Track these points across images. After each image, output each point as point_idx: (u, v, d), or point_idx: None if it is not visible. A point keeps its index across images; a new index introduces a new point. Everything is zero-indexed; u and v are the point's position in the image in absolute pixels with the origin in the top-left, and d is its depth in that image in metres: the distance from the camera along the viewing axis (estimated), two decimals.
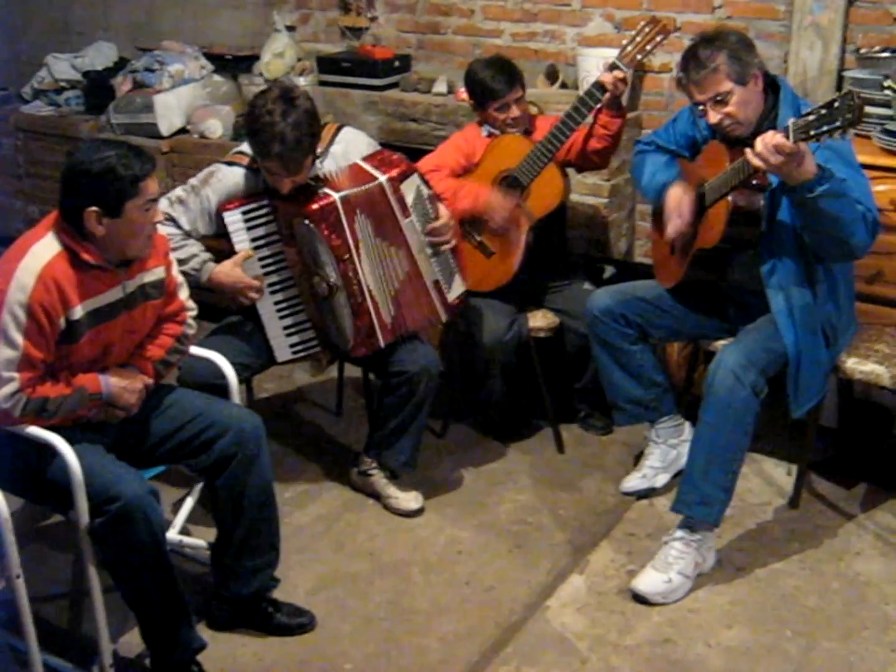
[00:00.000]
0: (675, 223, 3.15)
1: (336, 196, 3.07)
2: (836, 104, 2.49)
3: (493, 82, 3.50)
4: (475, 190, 3.52)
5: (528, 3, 4.37)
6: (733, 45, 2.92)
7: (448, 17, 4.58)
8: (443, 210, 3.28)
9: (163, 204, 3.08)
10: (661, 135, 3.38)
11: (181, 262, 3.05)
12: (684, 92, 3.04)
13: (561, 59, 4.31)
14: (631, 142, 3.71)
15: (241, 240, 3.17)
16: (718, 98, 2.92)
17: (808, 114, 2.57)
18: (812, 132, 2.54)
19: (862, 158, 3.29)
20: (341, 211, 3.07)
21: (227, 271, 3.15)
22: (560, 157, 3.54)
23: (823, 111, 2.52)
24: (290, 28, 4.97)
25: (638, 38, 3.38)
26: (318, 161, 3.19)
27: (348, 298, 3.15)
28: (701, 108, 2.98)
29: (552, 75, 4.23)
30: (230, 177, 3.20)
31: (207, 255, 3.17)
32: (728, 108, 2.92)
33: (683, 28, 4.00)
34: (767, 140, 2.61)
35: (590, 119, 3.48)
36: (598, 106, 3.42)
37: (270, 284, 3.23)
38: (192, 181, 3.22)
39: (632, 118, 4.12)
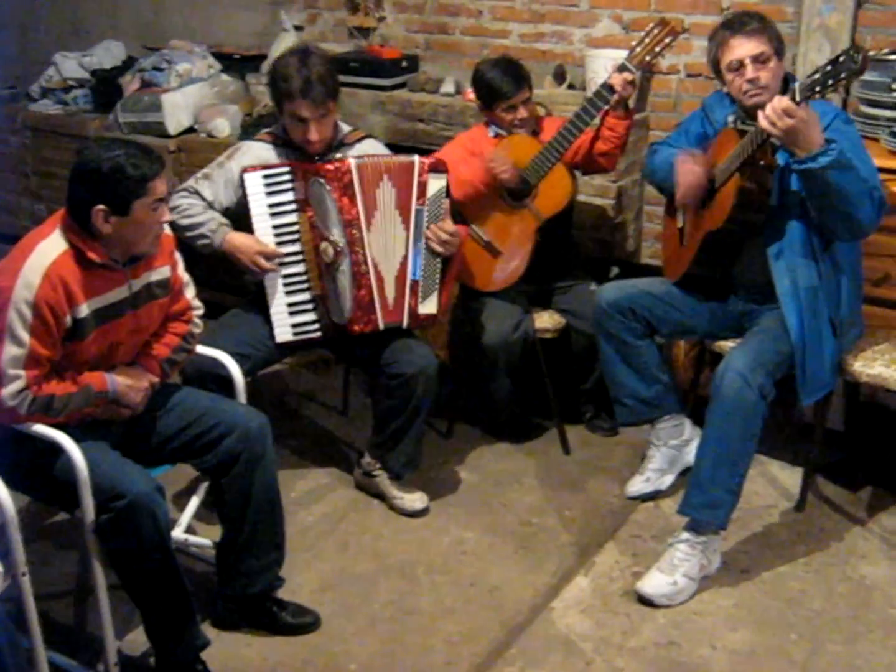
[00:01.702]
0: (687, 177, 3.14)
1: (352, 160, 3.16)
2: (841, 58, 2.54)
3: (501, 83, 3.49)
4: (473, 161, 3.52)
5: (535, 4, 4.36)
6: (774, 25, 3.01)
7: (456, 18, 4.58)
8: (453, 225, 3.29)
9: (189, 181, 3.27)
10: (673, 138, 3.39)
11: (198, 225, 3.15)
12: (720, 53, 3.03)
13: (569, 60, 4.30)
14: (638, 143, 3.71)
15: (259, 204, 3.19)
16: (761, 58, 2.95)
17: (814, 73, 2.61)
18: (818, 88, 2.58)
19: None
20: (355, 174, 3.14)
21: (242, 237, 3.19)
22: (567, 160, 3.53)
23: (828, 68, 2.56)
24: (298, 28, 4.97)
25: (647, 40, 3.37)
26: (344, 148, 3.30)
27: (351, 266, 3.17)
28: (736, 65, 2.98)
29: (560, 76, 4.22)
30: (255, 150, 3.29)
31: (225, 220, 3.23)
32: (765, 71, 2.95)
33: (692, 29, 3.99)
34: (776, 104, 2.65)
35: (597, 121, 3.48)
36: (606, 107, 3.41)
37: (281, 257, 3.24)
38: (219, 158, 3.33)
39: (640, 119, 4.11)
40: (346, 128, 3.39)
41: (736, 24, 3.01)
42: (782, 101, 2.65)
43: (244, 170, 3.18)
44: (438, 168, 3.25)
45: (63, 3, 5.79)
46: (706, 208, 3.14)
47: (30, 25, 5.93)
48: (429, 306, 3.31)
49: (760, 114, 2.71)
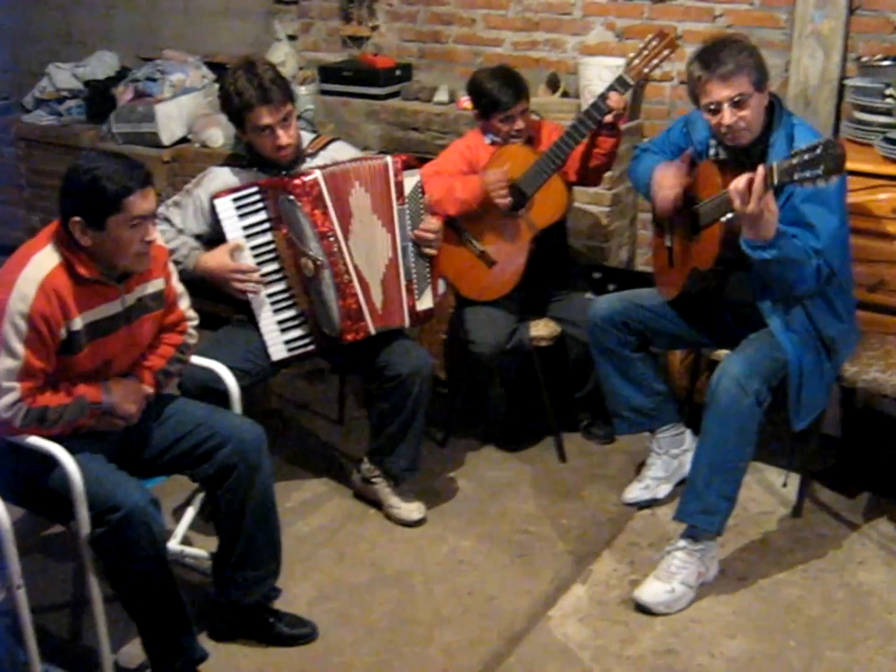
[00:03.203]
0: (663, 193, 3.14)
1: (318, 172, 3.15)
2: (818, 150, 2.47)
3: (500, 94, 3.47)
4: (470, 179, 3.52)
5: (529, 12, 4.37)
6: (754, 50, 2.91)
7: (449, 26, 4.58)
8: (435, 219, 3.29)
9: (160, 208, 3.20)
10: (656, 143, 3.39)
11: (170, 251, 3.09)
12: (698, 91, 2.91)
13: (562, 68, 4.31)
14: (629, 152, 3.71)
15: (233, 228, 3.17)
16: (738, 99, 2.85)
17: (793, 155, 2.54)
18: (796, 176, 2.52)
19: (863, 166, 3.31)
20: (324, 186, 3.14)
21: (213, 257, 3.15)
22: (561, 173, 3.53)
23: (806, 156, 2.50)
24: (292, 37, 4.98)
25: (645, 52, 3.35)
26: (308, 159, 3.29)
27: (333, 277, 3.17)
28: (714, 107, 2.88)
29: (553, 84, 4.24)
30: (221, 175, 3.26)
31: (196, 244, 3.21)
32: (745, 112, 2.86)
33: (684, 37, 4.00)
34: (757, 186, 2.58)
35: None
36: (601, 119, 3.38)
37: (263, 275, 3.22)
38: (187, 186, 3.30)
39: (634, 126, 4.13)
40: (307, 136, 3.39)
41: (712, 63, 2.86)
42: (757, 185, 2.58)
43: (214, 196, 3.17)
44: (411, 164, 3.26)
45: (56, 13, 5.79)
46: (693, 241, 3.12)
47: (23, 36, 5.93)
48: (426, 302, 3.32)
49: (731, 188, 2.64)
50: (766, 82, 2.90)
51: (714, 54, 2.87)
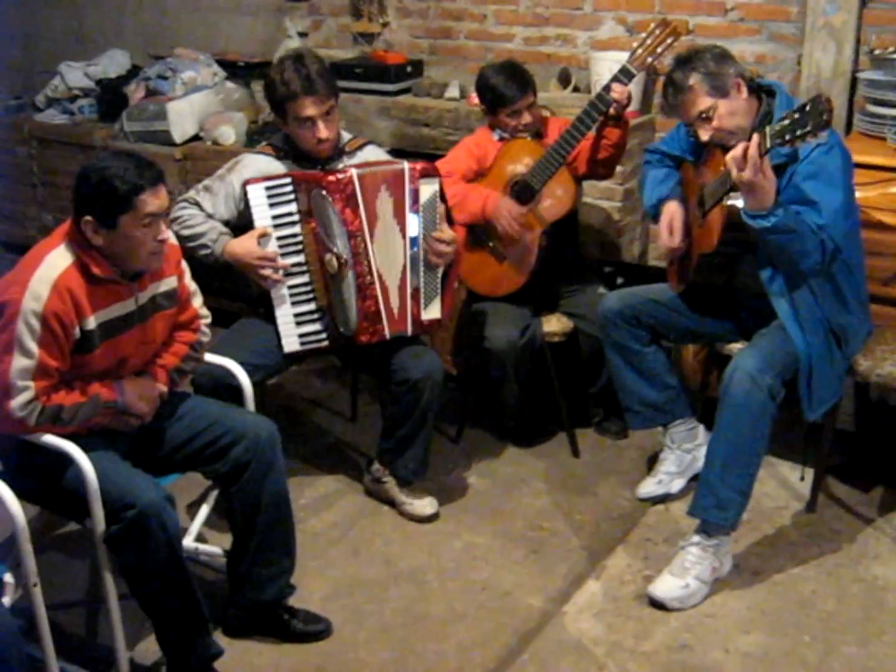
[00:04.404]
0: (665, 240, 3.24)
1: (354, 170, 3.15)
2: (807, 108, 2.55)
3: (506, 88, 3.48)
4: (485, 195, 3.52)
5: (539, 8, 4.36)
6: (706, 61, 2.95)
7: (460, 22, 4.58)
8: (451, 231, 3.28)
9: (190, 192, 3.27)
10: (666, 141, 3.40)
11: (199, 235, 3.15)
12: (673, 116, 3.11)
13: (573, 63, 4.31)
14: (643, 146, 3.70)
15: (263, 216, 3.18)
16: (703, 116, 2.95)
17: (782, 118, 2.62)
18: (787, 136, 2.58)
19: (876, 159, 3.30)
20: (357, 185, 3.14)
21: (241, 242, 3.17)
22: (569, 166, 3.52)
23: (796, 115, 2.57)
24: (303, 34, 4.98)
25: (648, 41, 3.35)
26: (345, 157, 3.31)
27: (356, 277, 3.17)
28: (691, 127, 3.02)
29: (564, 79, 4.23)
30: (255, 163, 3.28)
31: (225, 230, 3.22)
32: (714, 123, 2.95)
33: (696, 31, 3.99)
34: (751, 151, 2.63)
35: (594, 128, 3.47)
36: (607, 111, 3.38)
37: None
38: (220, 171, 3.31)
39: (644, 121, 4.11)
40: (346, 136, 3.40)
41: (668, 94, 3.03)
42: (752, 151, 2.63)
43: (246, 182, 3.17)
44: (430, 173, 3.23)
45: (67, 12, 5.80)
46: (700, 228, 3.13)
47: (34, 35, 5.95)
48: (432, 311, 3.30)
49: (728, 157, 2.70)
50: (730, 84, 2.94)
51: (667, 84, 3.03)
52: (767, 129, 2.64)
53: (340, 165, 3.27)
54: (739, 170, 2.66)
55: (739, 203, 2.83)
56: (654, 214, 3.33)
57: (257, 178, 3.19)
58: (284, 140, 3.30)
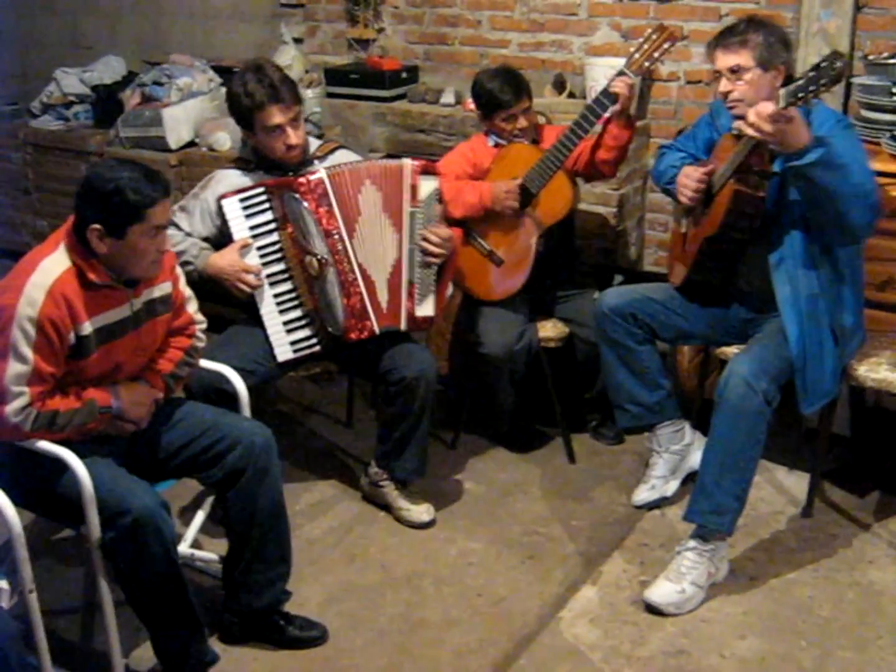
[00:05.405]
0: (689, 171, 3.19)
1: (323, 170, 3.20)
2: (822, 65, 2.57)
3: (500, 93, 3.50)
4: (479, 185, 3.53)
5: (534, 14, 4.37)
6: (774, 35, 2.98)
7: (455, 28, 4.59)
8: (447, 229, 3.29)
9: None
10: (680, 141, 3.41)
11: (180, 253, 3.14)
12: (709, 59, 3.07)
13: (568, 69, 4.31)
14: (639, 151, 3.71)
15: (240, 228, 3.20)
16: (735, 69, 2.95)
17: (798, 78, 2.64)
18: (801, 94, 2.60)
19: (872, 165, 3.29)
20: (328, 184, 3.18)
21: (223, 255, 3.19)
22: (568, 167, 3.53)
23: (810, 73, 2.59)
24: (298, 40, 4.99)
25: (645, 46, 3.37)
26: (315, 161, 3.32)
27: (338, 275, 3.19)
28: (717, 75, 3.01)
29: (560, 85, 4.23)
30: (227, 177, 3.30)
31: (205, 245, 3.24)
32: (740, 85, 2.95)
33: (691, 36, 4.00)
34: (760, 109, 2.67)
35: (598, 128, 3.48)
36: (607, 115, 3.41)
37: (269, 276, 3.24)
38: (194, 190, 3.34)
39: (641, 126, 4.12)
40: (315, 142, 3.42)
41: (724, 33, 3.01)
42: (767, 108, 2.66)
43: (221, 196, 3.20)
44: (429, 171, 3.27)
45: (63, 19, 5.81)
46: (705, 214, 3.14)
47: (30, 42, 5.95)
48: (426, 308, 3.31)
49: (742, 124, 2.75)
50: (774, 64, 2.95)
51: (731, 27, 3.02)
52: (782, 91, 2.66)
53: (312, 169, 3.28)
54: (758, 130, 2.67)
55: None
56: (668, 182, 3.31)
57: (231, 191, 3.21)
58: (254, 152, 3.31)
